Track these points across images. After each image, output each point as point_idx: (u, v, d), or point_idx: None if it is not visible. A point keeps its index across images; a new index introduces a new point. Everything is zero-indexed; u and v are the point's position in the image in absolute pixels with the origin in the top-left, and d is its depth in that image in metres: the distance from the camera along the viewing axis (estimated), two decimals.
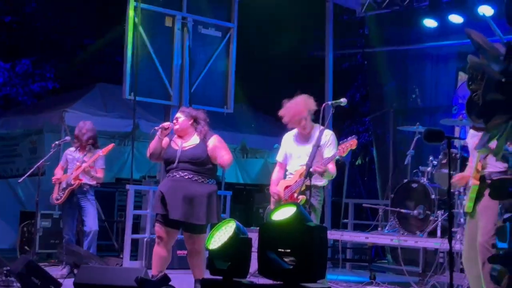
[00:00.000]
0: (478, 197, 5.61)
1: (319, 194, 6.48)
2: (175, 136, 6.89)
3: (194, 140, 6.80)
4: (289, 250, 4.53)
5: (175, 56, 10.02)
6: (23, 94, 18.24)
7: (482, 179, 5.57)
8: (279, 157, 6.88)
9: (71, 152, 8.78)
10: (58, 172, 8.78)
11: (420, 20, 11.19)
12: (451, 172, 7.86)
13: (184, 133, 6.83)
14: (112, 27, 14.20)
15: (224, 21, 10.54)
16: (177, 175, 6.67)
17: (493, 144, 3.78)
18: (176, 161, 6.68)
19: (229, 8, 10.62)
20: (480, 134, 5.41)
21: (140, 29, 9.65)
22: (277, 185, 6.70)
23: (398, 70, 12.14)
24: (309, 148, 6.43)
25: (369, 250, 10.11)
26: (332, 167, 6.44)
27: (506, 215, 3.71)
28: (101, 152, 8.57)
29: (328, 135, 6.48)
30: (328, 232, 9.80)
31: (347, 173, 14.67)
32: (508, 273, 3.59)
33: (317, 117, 6.54)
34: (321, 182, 6.50)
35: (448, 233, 4.41)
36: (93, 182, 8.73)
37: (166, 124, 6.84)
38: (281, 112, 6.62)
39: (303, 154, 6.54)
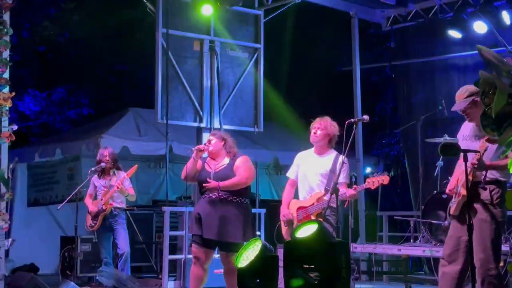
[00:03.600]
0: (468, 205, 5.59)
1: (335, 214, 6.41)
2: (208, 158, 7.10)
3: (225, 161, 7.00)
4: (313, 266, 4.68)
5: (204, 79, 10.25)
6: (60, 121, 18.64)
7: (472, 186, 5.47)
8: (291, 174, 6.95)
9: (97, 180, 9.01)
10: (88, 202, 9.01)
11: (445, 31, 11.26)
12: None
13: (217, 155, 7.04)
14: (141, 52, 14.51)
15: (251, 42, 10.74)
16: (213, 196, 6.84)
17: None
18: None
19: (256, 29, 10.83)
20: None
21: (169, 54, 9.90)
22: (287, 205, 6.79)
23: (426, 82, 12.20)
24: (319, 167, 6.62)
25: (405, 262, 10.13)
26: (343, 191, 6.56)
27: None
28: (126, 175, 8.81)
29: (341, 161, 6.48)
30: (362, 245, 10.03)
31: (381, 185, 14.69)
32: None
33: (340, 134, 6.64)
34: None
35: (468, 243, 4.51)
36: (123, 205, 8.95)
37: (201, 146, 7.06)
38: (319, 124, 6.72)
39: (312, 172, 6.68)
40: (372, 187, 6.45)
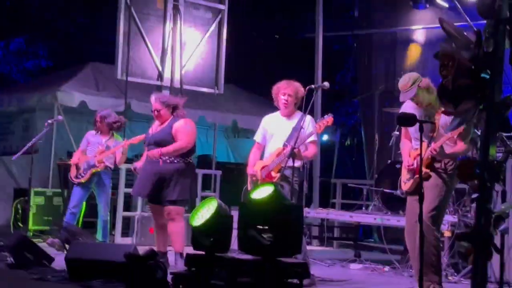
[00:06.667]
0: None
1: (296, 175, 6.60)
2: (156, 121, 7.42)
3: (165, 124, 7.28)
4: (267, 227, 4.76)
5: (166, 37, 10.15)
6: (17, 72, 18.35)
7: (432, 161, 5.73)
8: (258, 138, 7.05)
9: (93, 135, 8.91)
10: (76, 155, 8.91)
11: (409, 4, 11.31)
12: None
13: (165, 121, 7.29)
14: (104, 7, 14.30)
15: (215, 3, 10.65)
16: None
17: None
18: (147, 144, 7.32)
19: None
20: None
21: (132, 10, 9.78)
22: (253, 166, 6.87)
23: (387, 53, 12.29)
24: (288, 130, 6.65)
25: (356, 229, 10.30)
26: (311, 150, 6.66)
27: (474, 195, 3.88)
28: (132, 141, 8.55)
29: (308, 120, 6.61)
30: (315, 211, 10.15)
31: (337, 153, 14.88)
32: (474, 250, 3.78)
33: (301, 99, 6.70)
34: (298, 163, 6.61)
35: (419, 215, 4.62)
36: (112, 166, 8.87)
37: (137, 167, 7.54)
38: (289, 90, 6.74)
39: (282, 135, 6.71)
40: (319, 131, 6.63)
